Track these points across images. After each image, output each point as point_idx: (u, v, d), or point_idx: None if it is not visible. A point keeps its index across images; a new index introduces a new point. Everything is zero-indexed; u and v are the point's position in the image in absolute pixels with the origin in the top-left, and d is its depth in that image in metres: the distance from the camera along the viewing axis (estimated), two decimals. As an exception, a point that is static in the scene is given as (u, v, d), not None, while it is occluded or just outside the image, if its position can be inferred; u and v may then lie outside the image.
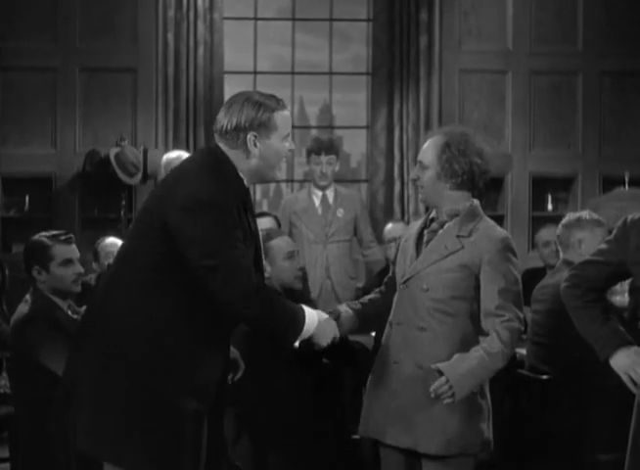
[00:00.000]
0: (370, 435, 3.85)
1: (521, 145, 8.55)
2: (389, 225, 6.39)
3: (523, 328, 3.73)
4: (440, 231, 3.75)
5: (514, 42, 8.55)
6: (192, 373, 3.30)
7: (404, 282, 3.76)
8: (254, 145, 3.38)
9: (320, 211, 6.63)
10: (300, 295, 4.74)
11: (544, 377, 4.84)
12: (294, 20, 8.73)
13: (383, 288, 4.00)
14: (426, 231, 3.81)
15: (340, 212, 6.63)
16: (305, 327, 3.39)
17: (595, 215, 5.01)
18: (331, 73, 8.77)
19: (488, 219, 3.80)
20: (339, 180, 7.24)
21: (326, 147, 6.57)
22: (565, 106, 8.65)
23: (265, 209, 8.76)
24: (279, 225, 6.10)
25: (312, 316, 3.43)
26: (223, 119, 3.40)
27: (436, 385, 3.55)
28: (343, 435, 4.71)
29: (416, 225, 3.89)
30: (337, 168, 6.68)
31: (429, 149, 3.75)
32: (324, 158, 6.54)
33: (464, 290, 3.69)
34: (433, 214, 3.83)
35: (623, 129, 8.62)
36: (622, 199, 7.29)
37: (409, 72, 8.32)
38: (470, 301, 3.70)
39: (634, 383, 3.43)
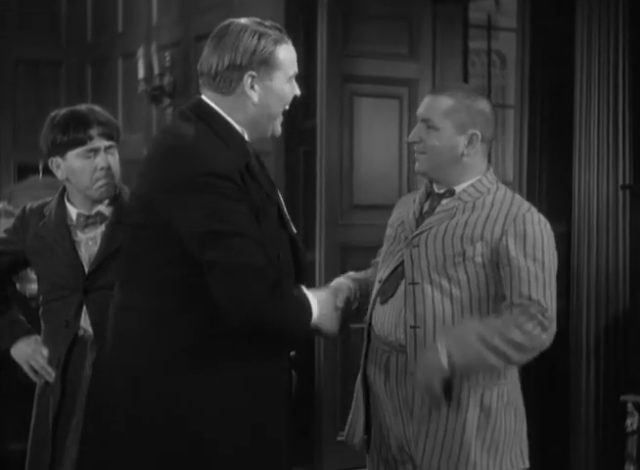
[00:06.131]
0: None
1: None
2: None
3: None
4: None
5: None
6: None
7: None
8: (252, 88, 2.66)
9: None
10: None
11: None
12: None
13: None
14: None
15: None
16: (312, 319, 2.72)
17: (7, 205, 5.05)
18: None
19: None
20: None
21: None
22: (-20, 94, 8.51)
23: None
24: None
25: (314, 303, 2.72)
26: (211, 57, 2.65)
27: None
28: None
29: None
30: None
31: None
32: None
33: None
34: None
35: (38, 118, 8.60)
36: (36, 187, 7.30)
37: None
38: None
39: (35, 372, 3.44)
